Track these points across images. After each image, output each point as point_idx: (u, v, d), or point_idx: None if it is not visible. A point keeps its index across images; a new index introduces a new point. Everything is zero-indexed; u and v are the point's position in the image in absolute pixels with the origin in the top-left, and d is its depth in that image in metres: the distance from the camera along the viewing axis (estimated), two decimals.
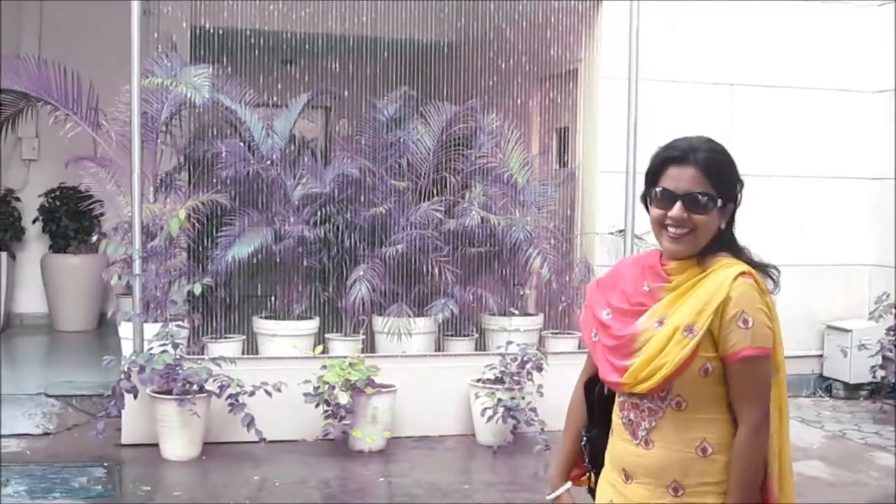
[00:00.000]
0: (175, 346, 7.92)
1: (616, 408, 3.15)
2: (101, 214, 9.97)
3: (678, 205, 2.99)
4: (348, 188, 9.47)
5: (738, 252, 3.08)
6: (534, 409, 8.19)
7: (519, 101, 10.58)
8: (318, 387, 8.04)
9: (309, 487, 7.38)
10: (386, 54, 9.89)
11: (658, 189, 3.04)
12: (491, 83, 10.34)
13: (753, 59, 10.56)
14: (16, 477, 7.25)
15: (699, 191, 2.99)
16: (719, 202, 3.01)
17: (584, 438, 3.30)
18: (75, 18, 11.87)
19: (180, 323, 8.35)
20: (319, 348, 8.78)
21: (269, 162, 9.26)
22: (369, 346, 9.29)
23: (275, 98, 10.03)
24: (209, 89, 8.76)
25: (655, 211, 3.06)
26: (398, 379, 8.50)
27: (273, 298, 9.48)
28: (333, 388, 7.97)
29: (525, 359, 8.54)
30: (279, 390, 7.86)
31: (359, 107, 10.21)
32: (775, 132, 10.64)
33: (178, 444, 7.82)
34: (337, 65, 10.11)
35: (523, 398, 8.32)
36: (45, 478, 7.28)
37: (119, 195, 9.17)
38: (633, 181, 9.15)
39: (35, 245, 12.34)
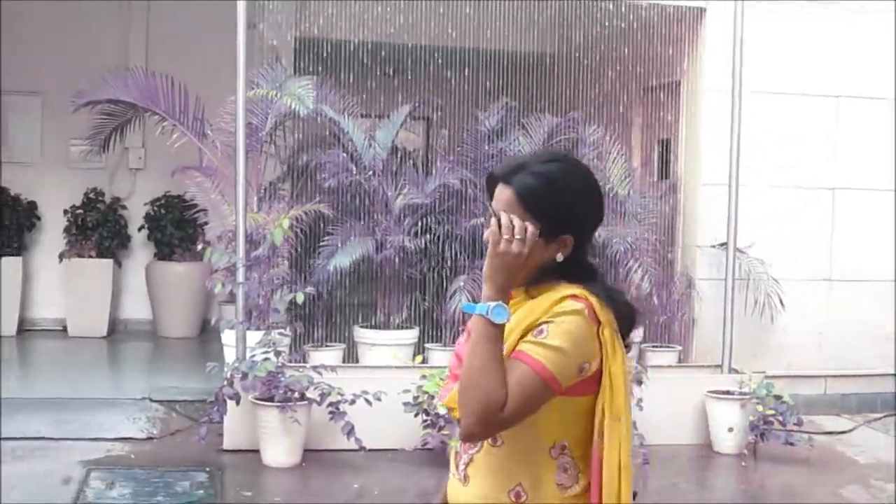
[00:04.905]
0: (277, 353, 7.99)
1: None
2: (206, 223, 10.11)
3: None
4: (449, 199, 9.50)
5: (586, 281, 2.66)
6: (633, 423, 8.11)
7: (621, 112, 10.51)
8: (418, 396, 8.06)
9: (407, 496, 7.41)
10: (487, 65, 9.91)
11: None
12: (592, 95, 10.29)
13: (859, 70, 10.31)
14: (120, 480, 7.39)
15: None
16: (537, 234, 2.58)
17: None
18: (181, 31, 12.07)
19: (282, 331, 8.41)
20: (419, 358, 8.81)
21: (370, 172, 9.33)
22: None
23: (377, 109, 10.10)
24: (313, 100, 8.85)
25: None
26: None
27: (374, 308, 9.53)
28: (433, 398, 7.99)
29: None
30: (379, 399, 7.89)
31: (460, 118, 10.22)
32: (882, 145, 10.37)
33: (279, 450, 7.88)
34: (439, 76, 10.15)
35: None
36: (148, 482, 7.40)
37: (223, 204, 9.30)
38: (735, 194, 9.08)
39: (140, 252, 12.56)
